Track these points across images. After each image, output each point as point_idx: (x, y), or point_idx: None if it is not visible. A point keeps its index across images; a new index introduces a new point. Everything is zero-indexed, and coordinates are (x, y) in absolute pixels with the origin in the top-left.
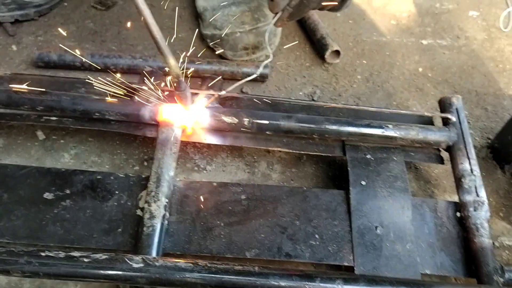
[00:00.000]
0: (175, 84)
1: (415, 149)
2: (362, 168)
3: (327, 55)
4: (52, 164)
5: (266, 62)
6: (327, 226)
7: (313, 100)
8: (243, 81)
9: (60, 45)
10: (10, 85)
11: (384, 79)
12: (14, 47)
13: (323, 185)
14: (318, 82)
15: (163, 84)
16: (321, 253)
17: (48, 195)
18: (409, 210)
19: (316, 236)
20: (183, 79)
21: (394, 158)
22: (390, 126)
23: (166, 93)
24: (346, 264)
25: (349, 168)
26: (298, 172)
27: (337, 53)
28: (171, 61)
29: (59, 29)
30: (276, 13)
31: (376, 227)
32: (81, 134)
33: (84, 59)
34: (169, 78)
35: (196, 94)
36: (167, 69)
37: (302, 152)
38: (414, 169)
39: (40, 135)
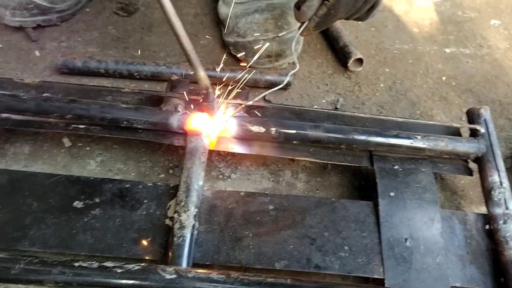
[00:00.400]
0: (203, 96)
1: (443, 160)
2: (390, 179)
3: (350, 63)
4: (79, 171)
5: (294, 71)
6: (356, 238)
7: (336, 108)
8: (271, 90)
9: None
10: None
11: (407, 88)
12: (37, 53)
13: (348, 195)
14: (341, 90)
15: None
16: (351, 265)
17: (77, 204)
18: (439, 223)
19: (346, 247)
20: (211, 90)
21: (423, 169)
22: (419, 137)
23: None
24: (376, 276)
25: (377, 179)
26: (323, 182)
27: (359, 61)
28: (201, 73)
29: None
30: (303, 23)
31: (405, 239)
32: (106, 142)
33: (108, 66)
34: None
35: (223, 103)
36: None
37: (329, 162)
38: (440, 180)
39: (66, 142)
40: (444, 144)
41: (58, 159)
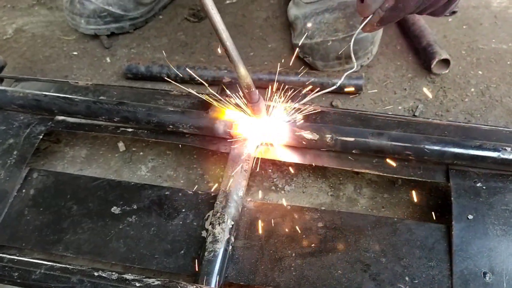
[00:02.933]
0: (247, 96)
1: None
2: (469, 198)
3: (434, 64)
4: (129, 176)
5: (349, 72)
6: (421, 268)
7: (414, 116)
8: (321, 93)
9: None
10: None
11: (504, 93)
12: (108, 59)
13: (420, 215)
14: (422, 96)
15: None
16: None
17: (115, 209)
18: None
19: (406, 278)
20: (255, 89)
21: None
22: (509, 149)
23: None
24: None
25: (453, 198)
26: (390, 199)
27: (446, 62)
28: (241, 70)
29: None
30: (366, 17)
31: (484, 274)
32: (160, 147)
33: (170, 71)
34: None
35: (274, 106)
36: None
37: (395, 176)
38: None
39: (121, 146)
40: None
41: (111, 163)
